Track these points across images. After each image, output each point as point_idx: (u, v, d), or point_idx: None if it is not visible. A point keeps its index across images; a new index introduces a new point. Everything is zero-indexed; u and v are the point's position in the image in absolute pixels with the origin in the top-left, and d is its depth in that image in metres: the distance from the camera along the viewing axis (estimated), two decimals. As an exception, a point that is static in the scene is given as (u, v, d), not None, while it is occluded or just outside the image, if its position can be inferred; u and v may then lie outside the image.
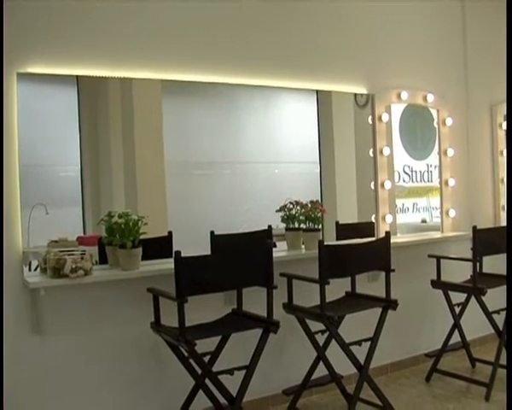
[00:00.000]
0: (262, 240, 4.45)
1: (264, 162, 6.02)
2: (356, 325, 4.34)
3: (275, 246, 4.66)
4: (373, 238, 4.37)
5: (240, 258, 3.71)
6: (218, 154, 5.75)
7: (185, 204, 5.35)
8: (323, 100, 5.53)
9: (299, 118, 6.09)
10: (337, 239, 5.18)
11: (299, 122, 6.12)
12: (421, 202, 6.24)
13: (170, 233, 4.45)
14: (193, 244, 4.50)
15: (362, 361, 4.16)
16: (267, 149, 6.06)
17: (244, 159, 5.90)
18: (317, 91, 5.34)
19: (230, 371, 3.69)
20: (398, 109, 6.01)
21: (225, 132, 5.86)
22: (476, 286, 4.66)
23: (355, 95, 5.31)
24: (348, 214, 5.49)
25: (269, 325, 3.71)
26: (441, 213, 5.71)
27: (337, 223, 5.41)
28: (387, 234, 4.23)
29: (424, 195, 6.18)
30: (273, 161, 6.08)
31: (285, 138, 6.12)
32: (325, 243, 3.88)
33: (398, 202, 6.64)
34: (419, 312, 5.40)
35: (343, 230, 5.30)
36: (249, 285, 3.80)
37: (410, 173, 6.72)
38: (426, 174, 6.20)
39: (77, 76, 4.04)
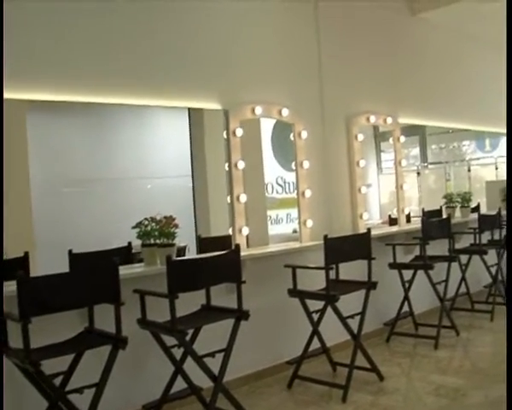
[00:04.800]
0: (122, 257, 4.52)
1: (138, 178, 6.06)
2: (214, 337, 4.38)
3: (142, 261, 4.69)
4: (223, 252, 4.43)
5: (87, 276, 3.71)
6: (91, 171, 5.74)
7: (56, 222, 5.31)
8: (195, 116, 5.62)
9: (172, 134, 6.17)
10: (199, 253, 5.26)
11: (172, 138, 6.20)
12: (294, 213, 6.41)
13: (26, 254, 4.38)
14: (64, 263, 4.48)
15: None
16: (141, 165, 6.11)
17: (117, 175, 5.91)
18: (189, 108, 5.42)
19: (80, 391, 3.68)
20: (269, 123, 6.19)
21: (98, 149, 5.87)
22: (329, 293, 4.86)
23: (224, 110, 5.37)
24: (220, 227, 5.57)
25: (117, 342, 3.73)
26: (299, 223, 5.87)
27: (199, 237, 5.51)
28: (237, 247, 4.33)
29: (297, 205, 6.32)
30: (146, 177, 6.13)
31: (159, 154, 6.19)
32: (173, 258, 3.96)
33: (272, 213, 6.83)
34: (280, 321, 5.54)
35: (205, 243, 5.39)
36: (97, 303, 3.81)
37: (283, 185, 6.92)
38: (299, 185, 6.35)
39: None
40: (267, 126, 6.43)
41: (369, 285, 5.13)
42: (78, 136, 5.76)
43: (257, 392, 5.11)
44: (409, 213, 7.37)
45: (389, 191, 7.64)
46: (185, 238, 5.37)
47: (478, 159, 9.89)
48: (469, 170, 9.38)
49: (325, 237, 4.88)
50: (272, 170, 6.88)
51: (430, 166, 9.26)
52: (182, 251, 5.26)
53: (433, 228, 6.32)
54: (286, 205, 6.71)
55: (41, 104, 4.45)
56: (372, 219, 7.62)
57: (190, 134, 5.76)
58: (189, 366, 4.31)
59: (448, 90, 8.14)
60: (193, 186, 5.77)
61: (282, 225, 6.92)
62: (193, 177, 5.77)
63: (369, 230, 5.28)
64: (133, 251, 4.94)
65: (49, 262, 4.47)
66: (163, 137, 6.28)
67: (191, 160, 5.76)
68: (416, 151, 8.98)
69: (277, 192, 7.02)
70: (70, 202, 5.65)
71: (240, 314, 4.26)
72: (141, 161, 6.16)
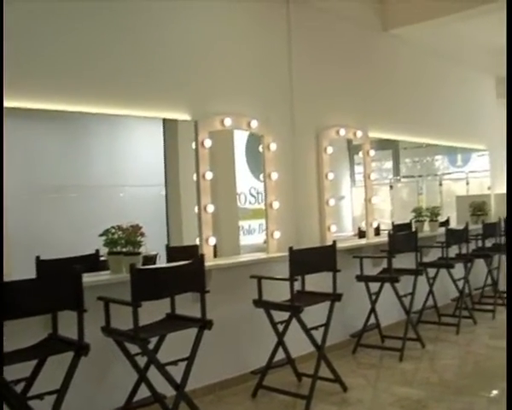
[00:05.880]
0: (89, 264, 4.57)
1: (112, 186, 6.08)
2: (179, 346, 4.40)
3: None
4: (187, 261, 4.46)
5: (50, 282, 3.73)
6: (65, 177, 5.75)
7: (30, 228, 5.31)
8: (169, 126, 5.66)
9: (147, 144, 6.20)
10: (168, 262, 5.29)
11: (146, 147, 6.23)
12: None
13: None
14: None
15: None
16: (114, 173, 6.14)
17: (91, 183, 5.93)
18: (164, 119, 5.46)
19: (40, 397, 3.70)
20: (244, 133, 6.23)
21: (73, 156, 5.89)
22: (293, 305, 4.91)
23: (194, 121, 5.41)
24: (192, 236, 5.59)
25: (79, 349, 3.76)
26: (267, 234, 5.92)
27: (167, 246, 5.54)
28: (202, 257, 4.38)
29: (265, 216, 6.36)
30: (120, 185, 6.15)
31: (133, 163, 6.21)
32: (136, 267, 4.00)
33: (245, 224, 6.86)
34: (246, 331, 5.57)
35: (173, 252, 5.43)
36: (59, 309, 3.84)
37: (256, 195, 6.96)
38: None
39: None
40: (241, 137, 6.48)
41: (334, 297, 5.18)
42: (52, 142, 5.78)
43: (222, 401, 5.14)
44: (378, 226, 7.43)
45: (362, 204, 7.70)
46: (157, 247, 5.43)
47: (449, 173, 10.02)
48: (441, 184, 9.51)
49: (290, 249, 4.94)
50: (246, 180, 6.91)
51: (403, 180, 9.37)
52: (152, 259, 5.31)
53: (399, 241, 6.41)
54: (259, 215, 6.71)
55: (16, 110, 4.46)
56: (345, 231, 7.70)
57: (164, 144, 5.81)
58: (153, 374, 4.33)
59: (418, 105, 8.25)
60: (166, 195, 5.81)
61: (255, 236, 6.95)
62: (166, 186, 5.82)
63: (334, 242, 5.35)
64: (103, 258, 4.96)
65: (21, 267, 4.50)
66: (137, 147, 6.31)
67: (165, 169, 5.81)
68: (389, 165, 9.08)
69: (250, 203, 7.05)
70: (44, 207, 5.67)
71: (203, 324, 4.30)
72: (115, 170, 6.19)
